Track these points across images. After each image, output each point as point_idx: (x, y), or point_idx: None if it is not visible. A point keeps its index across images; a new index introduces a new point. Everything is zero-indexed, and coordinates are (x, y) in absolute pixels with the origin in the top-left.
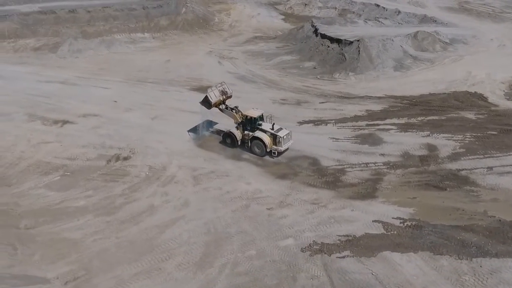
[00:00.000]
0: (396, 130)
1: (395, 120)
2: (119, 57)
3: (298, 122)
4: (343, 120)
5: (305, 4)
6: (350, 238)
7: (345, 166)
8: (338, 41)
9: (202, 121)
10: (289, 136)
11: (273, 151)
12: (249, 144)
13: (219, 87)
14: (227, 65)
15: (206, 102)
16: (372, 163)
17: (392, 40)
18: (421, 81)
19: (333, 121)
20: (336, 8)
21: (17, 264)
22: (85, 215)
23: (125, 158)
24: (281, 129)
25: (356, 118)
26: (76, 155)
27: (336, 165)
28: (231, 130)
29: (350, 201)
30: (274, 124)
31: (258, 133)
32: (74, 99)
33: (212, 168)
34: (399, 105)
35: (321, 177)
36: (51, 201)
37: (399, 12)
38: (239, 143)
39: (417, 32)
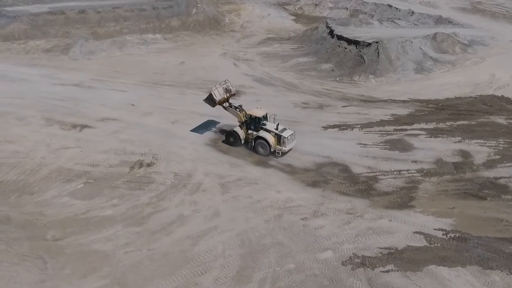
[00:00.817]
0: (426, 136)
1: (423, 125)
2: (133, 59)
3: (322, 127)
4: (369, 124)
5: (316, 5)
6: (392, 250)
7: (377, 174)
8: (355, 42)
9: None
10: (293, 137)
11: (277, 151)
12: (253, 144)
13: (223, 84)
14: (243, 67)
15: (211, 100)
16: (405, 170)
17: (411, 42)
18: (445, 84)
19: (359, 126)
20: (347, 8)
21: (48, 279)
22: (113, 225)
23: (149, 165)
24: (285, 129)
25: (382, 122)
26: (98, 161)
27: (367, 173)
28: (234, 129)
29: (387, 210)
30: (278, 124)
31: (262, 133)
32: (91, 102)
33: (239, 175)
34: (426, 109)
35: (353, 185)
36: (76, 210)
37: (413, 12)
38: (242, 142)
39: (436, 33)
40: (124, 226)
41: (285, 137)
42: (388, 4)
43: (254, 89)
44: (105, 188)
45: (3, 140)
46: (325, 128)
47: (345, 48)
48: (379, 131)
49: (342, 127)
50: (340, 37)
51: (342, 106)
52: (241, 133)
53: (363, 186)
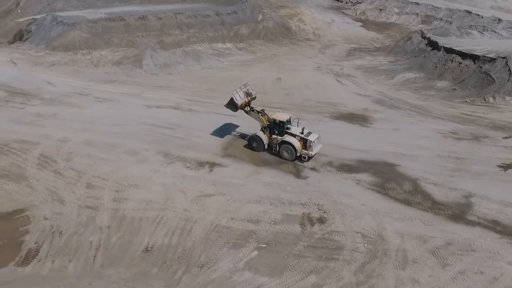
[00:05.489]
0: None
1: None
2: (218, 74)
3: (499, 166)
4: None
5: (380, 10)
6: None
7: None
8: (472, 57)
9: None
10: (319, 140)
11: (303, 155)
12: (277, 149)
13: (243, 88)
14: (350, 85)
15: (232, 105)
16: None
17: None
18: None
19: None
20: (417, 14)
21: None
22: None
23: (321, 221)
24: (310, 133)
25: None
26: (255, 215)
27: None
28: (257, 134)
29: None
30: (304, 128)
31: (287, 137)
32: (203, 130)
33: (445, 238)
34: None
35: None
36: None
37: (499, 20)
38: (266, 147)
39: None
40: None
41: (311, 141)
42: (466, 10)
43: (382, 114)
44: (288, 257)
45: (126, 184)
46: (504, 168)
47: (460, 63)
48: None
49: None
50: (449, 50)
51: (504, 138)
52: (264, 137)
53: None
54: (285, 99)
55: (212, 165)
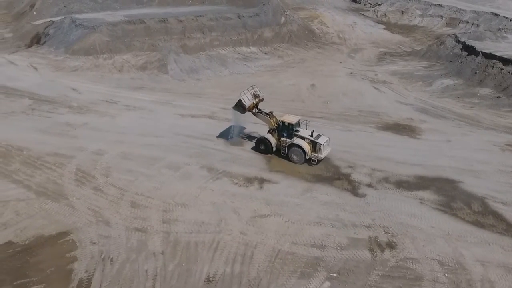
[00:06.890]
0: None
1: None
2: (249, 80)
3: None
4: None
5: (402, 12)
6: None
7: None
8: None
9: (233, 125)
10: (328, 143)
11: (312, 158)
12: (286, 151)
13: (251, 90)
14: (389, 93)
15: (240, 106)
16: None
17: None
18: None
19: None
20: (442, 16)
21: None
22: None
23: (391, 246)
24: (320, 135)
25: None
26: (319, 239)
27: None
28: (265, 136)
29: None
30: (313, 130)
31: (297, 140)
32: (245, 142)
33: None
34: None
35: None
36: None
37: None
38: (274, 149)
39: None
40: None
41: (321, 144)
42: (492, 13)
43: (429, 124)
44: None
45: (173, 203)
46: None
47: (501, 69)
48: None
49: None
50: (488, 55)
51: None
52: (273, 140)
53: None
54: (324, 108)
55: (261, 181)
